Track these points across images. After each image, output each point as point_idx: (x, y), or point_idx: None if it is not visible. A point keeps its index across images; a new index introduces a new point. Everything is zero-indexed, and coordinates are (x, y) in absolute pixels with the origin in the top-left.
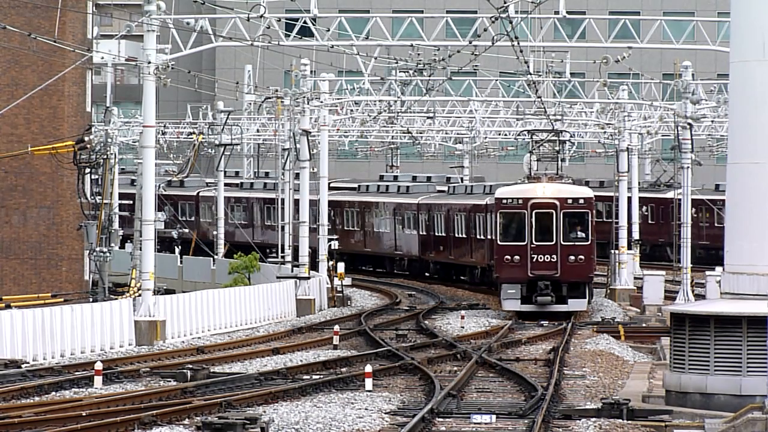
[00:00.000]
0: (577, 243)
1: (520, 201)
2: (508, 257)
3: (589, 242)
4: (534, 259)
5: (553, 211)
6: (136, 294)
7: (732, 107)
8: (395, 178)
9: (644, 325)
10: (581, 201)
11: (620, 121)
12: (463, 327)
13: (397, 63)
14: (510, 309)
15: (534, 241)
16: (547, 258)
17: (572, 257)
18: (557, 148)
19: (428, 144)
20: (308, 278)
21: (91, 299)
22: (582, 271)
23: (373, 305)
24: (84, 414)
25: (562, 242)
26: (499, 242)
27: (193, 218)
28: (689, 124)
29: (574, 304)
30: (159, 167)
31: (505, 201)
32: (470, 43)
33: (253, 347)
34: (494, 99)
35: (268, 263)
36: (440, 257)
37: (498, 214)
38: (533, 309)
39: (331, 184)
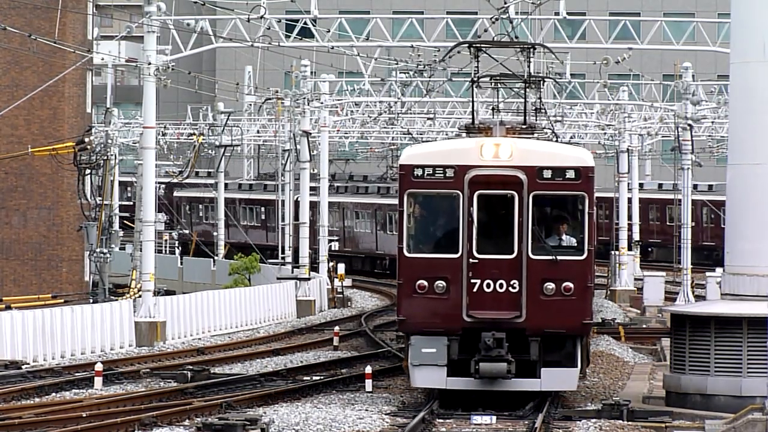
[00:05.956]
0: (562, 257)
1: (450, 172)
2: (424, 283)
3: (585, 255)
4: (475, 289)
5: (515, 194)
6: (137, 295)
7: (732, 108)
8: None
9: (644, 326)
10: (569, 174)
11: (620, 122)
12: None
13: (397, 64)
14: (426, 385)
15: (476, 253)
16: (501, 286)
17: (550, 284)
18: (526, 77)
19: None
20: (308, 279)
21: (91, 300)
22: (570, 312)
23: (374, 306)
24: (84, 415)
25: (532, 255)
26: (406, 253)
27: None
28: (689, 125)
29: (553, 378)
30: (159, 168)
31: (418, 171)
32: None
33: (253, 348)
34: (494, 100)
35: (269, 264)
36: None
37: (405, 198)
38: (471, 387)
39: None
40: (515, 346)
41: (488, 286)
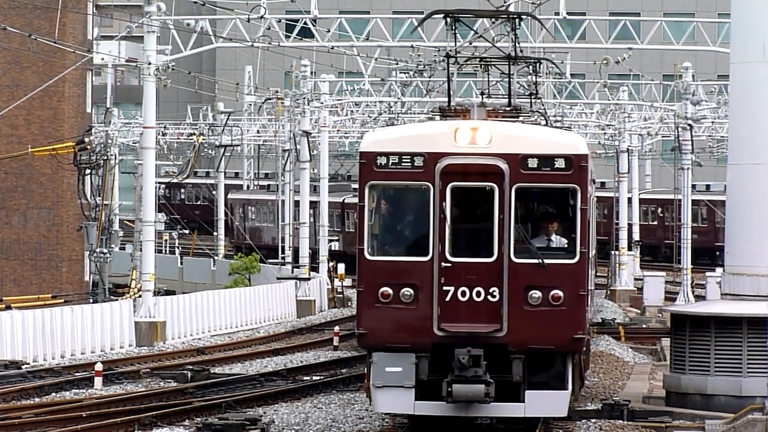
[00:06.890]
0: (549, 260)
1: (419, 160)
2: (388, 290)
3: (577, 258)
4: (448, 297)
5: (495, 186)
6: (137, 295)
7: (732, 108)
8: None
9: (644, 326)
10: (559, 163)
11: (620, 122)
12: None
13: (397, 64)
14: (390, 410)
15: (449, 256)
16: (479, 294)
17: (536, 292)
18: (513, 52)
19: None
20: (308, 279)
21: (91, 300)
22: (559, 325)
23: None
24: (84, 415)
25: (514, 258)
26: (367, 255)
27: None
28: (689, 125)
29: (539, 402)
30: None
31: (382, 159)
32: (470, 43)
33: (253, 348)
34: (495, 100)
35: (269, 264)
36: None
37: (366, 190)
38: (443, 412)
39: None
40: (495, 365)
41: (463, 294)
